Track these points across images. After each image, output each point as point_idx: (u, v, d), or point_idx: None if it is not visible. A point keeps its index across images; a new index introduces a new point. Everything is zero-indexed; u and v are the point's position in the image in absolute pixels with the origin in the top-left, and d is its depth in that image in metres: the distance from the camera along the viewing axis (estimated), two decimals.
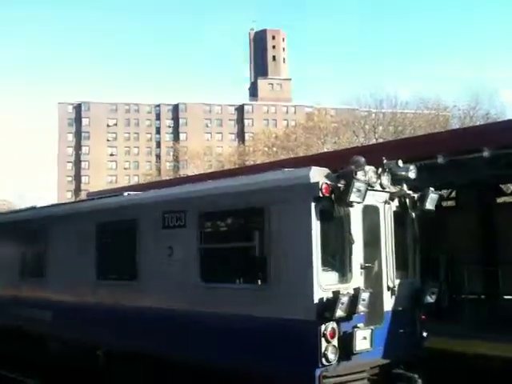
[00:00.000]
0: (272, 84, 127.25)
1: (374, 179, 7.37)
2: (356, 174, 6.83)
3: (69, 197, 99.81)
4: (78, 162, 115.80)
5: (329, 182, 6.74)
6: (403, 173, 7.85)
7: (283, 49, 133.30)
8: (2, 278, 12.48)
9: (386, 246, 7.62)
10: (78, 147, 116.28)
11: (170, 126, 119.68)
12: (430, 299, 7.93)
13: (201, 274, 7.88)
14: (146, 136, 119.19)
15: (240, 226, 8.26)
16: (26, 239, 11.86)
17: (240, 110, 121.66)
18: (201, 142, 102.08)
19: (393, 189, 7.81)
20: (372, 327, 6.93)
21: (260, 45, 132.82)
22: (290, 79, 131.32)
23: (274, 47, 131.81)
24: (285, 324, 6.73)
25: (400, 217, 8.04)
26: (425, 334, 7.96)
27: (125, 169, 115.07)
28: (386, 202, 7.71)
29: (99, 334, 9.61)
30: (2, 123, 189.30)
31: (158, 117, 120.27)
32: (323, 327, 6.43)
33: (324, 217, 6.83)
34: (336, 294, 6.43)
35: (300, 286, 6.67)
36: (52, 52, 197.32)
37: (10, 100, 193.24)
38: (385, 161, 7.63)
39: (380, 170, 7.53)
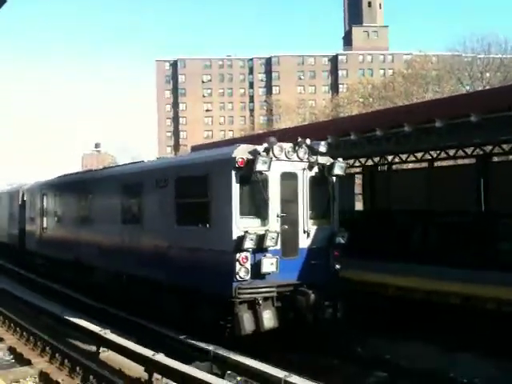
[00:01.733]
0: (367, 32, 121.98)
1: (292, 153, 10.39)
2: (266, 150, 9.83)
3: (168, 151, 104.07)
4: (176, 118, 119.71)
5: (244, 157, 9.66)
6: (316, 147, 10.62)
7: None
8: (108, 225, 14.94)
9: (302, 202, 10.61)
10: (175, 103, 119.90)
11: (262, 80, 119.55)
12: (342, 240, 10.97)
13: (176, 220, 11.37)
14: (240, 91, 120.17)
15: (197, 187, 10.99)
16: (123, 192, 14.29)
17: (334, 60, 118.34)
18: (294, 94, 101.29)
19: (310, 159, 10.66)
20: (277, 256, 9.85)
21: None
22: (387, 26, 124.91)
23: None
24: (218, 254, 10.02)
25: (320, 179, 10.91)
26: (337, 266, 10.88)
27: (220, 124, 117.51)
28: (303, 169, 10.62)
29: (123, 265, 13.74)
30: (107, 81, 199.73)
31: (251, 71, 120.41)
32: (237, 255, 9.55)
33: (243, 181, 9.84)
34: (245, 232, 9.53)
35: (226, 228, 9.82)
36: (150, 13, 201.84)
37: (113, 59, 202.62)
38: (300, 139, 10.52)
39: (296, 146, 10.43)
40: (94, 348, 10.76)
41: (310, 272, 10.42)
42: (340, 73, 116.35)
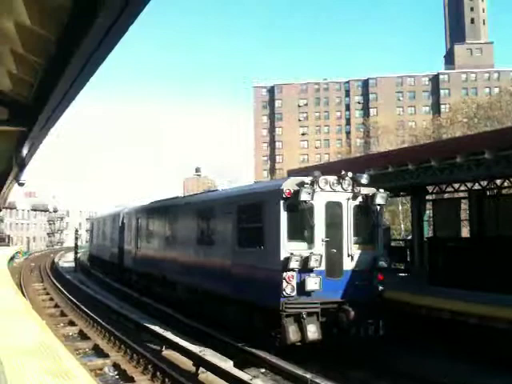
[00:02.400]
0: (470, 49, 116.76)
1: (336, 184, 11.84)
2: (311, 182, 11.33)
3: (265, 175, 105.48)
4: (272, 143, 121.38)
5: (291, 189, 11.22)
6: (358, 179, 11.92)
7: (483, 10, 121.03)
8: (186, 246, 16.90)
9: (347, 228, 11.93)
10: (271, 128, 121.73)
11: (359, 103, 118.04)
12: (385, 264, 12.16)
13: (237, 242, 13.21)
14: (336, 114, 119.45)
15: (253, 214, 12.76)
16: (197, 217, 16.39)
17: (435, 80, 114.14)
18: (392, 116, 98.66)
19: (354, 190, 11.98)
20: (321, 276, 11.24)
21: (455, 8, 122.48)
22: (492, 42, 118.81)
23: (471, 9, 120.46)
24: (269, 272, 11.60)
25: (364, 208, 12.18)
26: (380, 288, 11.96)
27: (316, 147, 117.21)
28: (348, 199, 11.97)
29: (199, 280, 15.51)
30: (206, 107, 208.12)
31: (348, 93, 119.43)
32: (284, 274, 11.05)
33: (290, 209, 11.40)
34: (291, 254, 11.05)
35: (275, 250, 11.40)
36: (247, 42, 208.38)
37: (214, 89, 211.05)
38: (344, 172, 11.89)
39: (340, 178, 11.83)
40: (193, 368, 10.90)
41: (353, 292, 11.67)
42: (442, 92, 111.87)
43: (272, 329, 11.38)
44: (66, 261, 50.33)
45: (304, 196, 11.16)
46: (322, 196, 11.70)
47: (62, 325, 16.79)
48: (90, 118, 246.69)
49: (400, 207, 49.46)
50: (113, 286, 25.43)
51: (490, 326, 11.20)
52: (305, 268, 11.16)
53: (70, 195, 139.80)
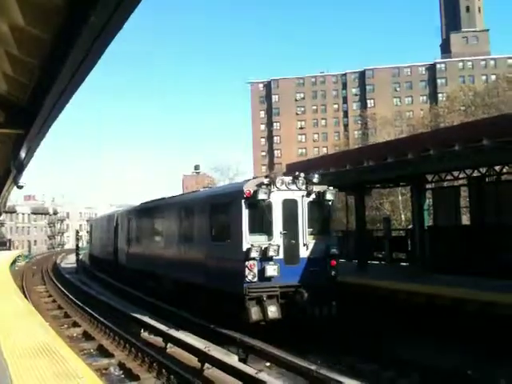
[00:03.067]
0: (466, 37, 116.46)
1: (292, 184, 13.50)
2: (269, 183, 13.03)
3: (263, 170, 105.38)
4: (270, 138, 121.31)
5: (250, 189, 12.82)
6: (311, 178, 13.66)
7: None
8: (170, 243, 18.48)
9: (302, 221, 13.57)
10: (269, 123, 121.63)
11: (356, 94, 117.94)
12: (336, 251, 13.84)
13: (211, 237, 14.93)
14: (333, 107, 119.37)
15: (221, 212, 14.73)
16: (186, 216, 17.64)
17: (431, 69, 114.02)
18: (390, 107, 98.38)
19: (308, 188, 13.63)
20: (278, 263, 12.81)
21: None
22: (488, 30, 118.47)
23: None
24: (234, 262, 13.20)
25: (317, 203, 13.86)
26: (333, 273, 13.59)
27: (314, 141, 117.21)
28: (302, 196, 13.61)
29: (181, 273, 16.97)
30: (203, 102, 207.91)
31: (345, 86, 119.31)
32: (246, 263, 12.61)
33: (251, 207, 13.03)
34: (250, 246, 12.71)
35: (239, 242, 12.92)
36: (242, 38, 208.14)
37: (208, 81, 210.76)
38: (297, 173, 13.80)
39: (295, 178, 13.55)
40: (198, 364, 10.93)
41: (309, 276, 13.23)
42: (439, 81, 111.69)
43: (238, 311, 12.88)
44: (68, 262, 50.42)
45: (261, 195, 12.94)
46: (279, 194, 13.43)
47: (66, 326, 16.82)
48: (87, 117, 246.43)
49: (400, 197, 49.44)
50: (114, 285, 25.77)
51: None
52: (264, 257, 12.80)
53: (69, 197, 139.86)
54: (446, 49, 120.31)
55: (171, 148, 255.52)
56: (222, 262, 14.08)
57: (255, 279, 12.75)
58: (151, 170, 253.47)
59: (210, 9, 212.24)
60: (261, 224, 13.39)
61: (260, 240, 13.06)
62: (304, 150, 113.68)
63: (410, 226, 30.81)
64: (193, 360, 11.27)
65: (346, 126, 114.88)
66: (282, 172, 14.40)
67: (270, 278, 12.83)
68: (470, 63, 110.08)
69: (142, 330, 14.67)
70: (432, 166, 15.38)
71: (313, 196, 13.83)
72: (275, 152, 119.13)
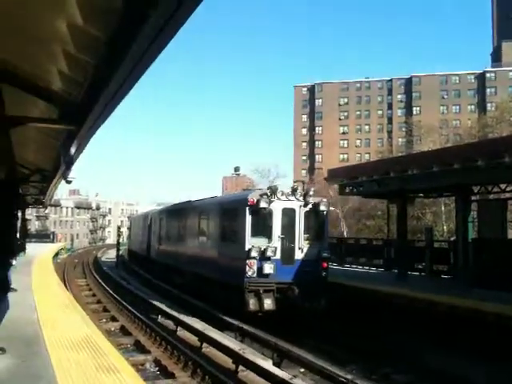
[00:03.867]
0: None
1: (291, 195, 15.82)
2: (268, 195, 15.32)
3: (303, 175, 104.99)
4: (311, 142, 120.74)
5: (254, 198, 15.13)
6: (308, 191, 16.10)
7: None
8: (190, 241, 21.13)
9: (298, 227, 15.84)
10: (311, 127, 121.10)
11: (401, 101, 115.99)
12: (327, 255, 16.16)
13: (221, 238, 17.53)
14: (378, 113, 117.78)
15: (230, 217, 17.13)
16: (199, 218, 20.62)
17: (481, 78, 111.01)
18: (435, 115, 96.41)
19: (306, 199, 15.94)
20: (275, 263, 15.10)
21: (504, 4, 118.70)
22: None
23: None
24: (238, 260, 15.41)
25: (313, 213, 16.13)
26: (324, 273, 15.85)
27: (356, 146, 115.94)
28: (300, 206, 15.86)
29: (198, 268, 19.62)
30: (247, 103, 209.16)
31: (390, 92, 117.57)
32: (247, 261, 14.93)
33: (254, 213, 15.31)
34: (250, 247, 15.00)
35: (242, 243, 15.25)
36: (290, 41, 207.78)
37: (251, 83, 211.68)
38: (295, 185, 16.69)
39: (294, 190, 15.92)
40: (233, 366, 10.96)
41: (302, 275, 15.52)
42: (488, 91, 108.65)
43: (240, 302, 15.05)
44: (108, 257, 51.52)
45: (263, 204, 15.26)
46: (280, 204, 15.77)
47: (104, 320, 17.17)
48: (136, 116, 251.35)
49: (443, 208, 48.31)
50: (152, 282, 26.27)
51: None
52: (263, 257, 15.19)
53: (112, 193, 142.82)
54: (496, 57, 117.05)
55: (214, 149, 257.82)
56: (229, 260, 16.59)
57: (254, 275, 15.15)
58: (194, 170, 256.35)
59: (256, 10, 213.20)
60: (262, 228, 15.75)
61: (260, 242, 15.43)
62: (346, 156, 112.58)
63: (453, 238, 30.04)
64: (228, 361, 11.32)
65: (389, 132, 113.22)
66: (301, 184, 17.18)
67: (267, 275, 15.23)
68: None
69: (179, 329, 14.85)
70: (479, 176, 14.95)
71: (309, 206, 16.13)
72: (316, 157, 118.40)
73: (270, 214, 15.61)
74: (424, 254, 20.40)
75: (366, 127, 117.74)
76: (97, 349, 7.61)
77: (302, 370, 10.99)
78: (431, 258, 20.00)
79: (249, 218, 15.39)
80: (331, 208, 60.07)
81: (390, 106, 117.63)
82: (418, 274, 20.60)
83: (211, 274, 17.79)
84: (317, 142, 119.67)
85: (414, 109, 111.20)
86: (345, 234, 58.16)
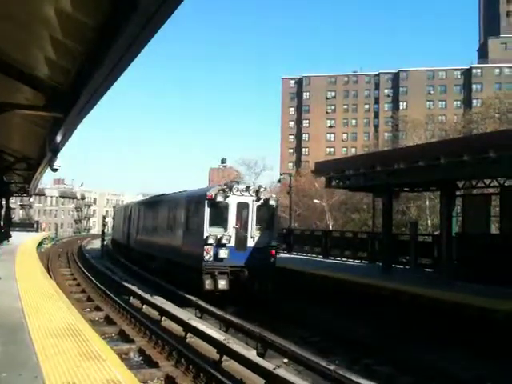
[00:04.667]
0: (505, 43, 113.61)
1: (245, 191, 17.99)
2: (224, 191, 17.57)
3: (290, 167, 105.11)
4: (299, 135, 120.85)
5: (212, 193, 17.35)
6: (260, 189, 18.52)
7: None
8: (161, 231, 23.70)
9: (251, 219, 18.04)
10: (299, 120, 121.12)
11: (389, 96, 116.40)
12: (274, 243, 18.44)
13: (185, 227, 19.78)
14: (365, 107, 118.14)
15: (193, 209, 19.48)
16: (168, 211, 23.35)
17: (467, 73, 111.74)
18: (422, 110, 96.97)
19: (258, 195, 18.19)
20: (229, 249, 17.37)
21: (490, 1, 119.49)
22: None
23: (508, 1, 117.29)
24: (198, 246, 17.65)
25: (264, 206, 18.31)
26: (272, 259, 18.14)
27: (342, 140, 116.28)
28: (253, 201, 18.05)
29: (168, 255, 22.05)
30: (235, 96, 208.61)
31: (377, 86, 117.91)
32: (205, 247, 17.17)
33: (211, 206, 17.50)
34: (207, 235, 17.25)
35: (201, 232, 17.50)
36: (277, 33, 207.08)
37: (237, 75, 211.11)
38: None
39: (248, 187, 18.38)
40: (217, 356, 11.00)
41: (253, 260, 17.74)
42: (474, 87, 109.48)
43: (198, 282, 17.38)
44: (93, 247, 51.21)
45: (219, 198, 17.58)
46: (235, 198, 17.98)
47: (88, 309, 17.12)
48: (122, 104, 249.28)
49: (427, 202, 48.78)
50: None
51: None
52: (219, 244, 17.46)
53: (99, 184, 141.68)
54: (483, 54, 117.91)
55: (200, 140, 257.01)
56: (190, 246, 18.93)
57: (211, 259, 17.41)
58: (179, 162, 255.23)
59: (240, 6, 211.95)
60: (219, 219, 17.95)
61: (217, 231, 17.64)
62: (332, 149, 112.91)
63: (437, 232, 30.35)
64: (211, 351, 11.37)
65: (376, 127, 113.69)
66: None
67: (222, 259, 17.46)
68: (507, 69, 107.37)
69: (163, 319, 14.87)
70: (464, 172, 15.10)
71: (261, 201, 18.32)
72: (303, 149, 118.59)
73: (226, 207, 17.92)
74: (408, 247, 20.61)
75: (353, 121, 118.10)
76: (81, 336, 7.59)
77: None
78: (416, 252, 20.21)
79: (207, 210, 17.67)
80: (317, 201, 60.63)
81: (376, 101, 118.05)
82: (402, 266, 20.81)
83: (177, 258, 20.37)
84: (304, 135, 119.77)
85: (401, 103, 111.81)
86: (330, 226, 58.49)
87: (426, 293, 13.83)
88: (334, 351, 12.14)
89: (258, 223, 18.24)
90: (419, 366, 10.64)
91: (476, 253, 16.33)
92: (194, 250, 18.24)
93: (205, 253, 17.31)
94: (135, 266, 27.91)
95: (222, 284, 17.20)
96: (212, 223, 17.70)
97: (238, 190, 18.00)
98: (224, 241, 17.41)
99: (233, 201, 17.94)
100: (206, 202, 17.61)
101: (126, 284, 20.86)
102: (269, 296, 17.52)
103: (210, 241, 17.30)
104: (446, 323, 12.60)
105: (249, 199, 18.20)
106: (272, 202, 18.38)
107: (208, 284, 17.20)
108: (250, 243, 18.03)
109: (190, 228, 19.42)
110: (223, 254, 17.38)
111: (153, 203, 27.64)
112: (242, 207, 18.17)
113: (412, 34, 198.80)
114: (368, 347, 12.04)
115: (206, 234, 17.43)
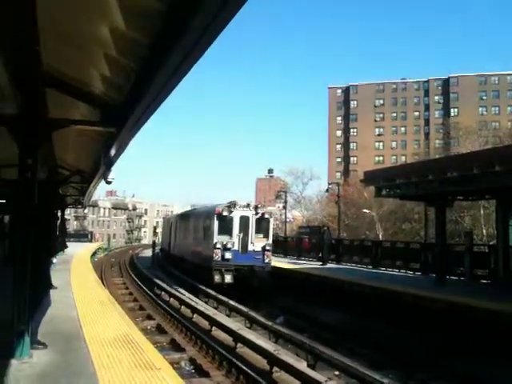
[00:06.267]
0: None
1: (246, 207, 23.40)
2: (229, 207, 23.19)
3: (338, 177, 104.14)
4: (346, 144, 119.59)
5: (220, 209, 23.13)
6: (258, 206, 24.66)
7: None
8: (189, 239, 29.37)
9: (251, 229, 23.26)
10: (346, 129, 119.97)
11: (439, 102, 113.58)
12: (269, 248, 23.37)
13: (203, 236, 25.10)
14: (414, 114, 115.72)
15: (206, 221, 24.90)
16: (197, 223, 28.07)
17: None
18: (474, 116, 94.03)
19: (257, 210, 23.68)
20: (233, 252, 22.69)
21: None
22: None
23: None
24: (210, 250, 22.99)
25: (261, 219, 23.58)
26: (267, 260, 23.05)
27: (392, 148, 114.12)
28: (253, 214, 23.31)
29: (193, 258, 27.23)
30: (281, 105, 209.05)
31: (427, 93, 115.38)
32: (215, 250, 22.58)
33: (220, 220, 23.14)
34: (216, 241, 22.71)
35: (212, 239, 23.02)
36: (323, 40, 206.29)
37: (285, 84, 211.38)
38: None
39: (248, 204, 23.75)
40: (267, 367, 10.97)
41: (253, 261, 22.79)
42: None
43: (210, 277, 22.38)
44: (143, 256, 52.23)
45: (225, 213, 23.01)
46: (238, 212, 23.25)
47: (140, 318, 17.43)
48: (173, 118, 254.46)
49: (482, 211, 47.19)
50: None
51: None
52: (225, 248, 22.62)
53: (149, 194, 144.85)
54: None
55: (248, 151, 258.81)
56: (205, 250, 24.13)
57: (219, 259, 22.48)
58: (230, 171, 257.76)
59: (289, 12, 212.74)
60: (225, 229, 23.10)
61: (224, 238, 22.93)
62: (381, 158, 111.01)
63: (492, 242, 29.29)
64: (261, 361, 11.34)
65: (426, 134, 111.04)
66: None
67: (227, 260, 22.54)
68: None
69: (214, 329, 14.96)
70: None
71: (259, 215, 23.49)
72: (351, 159, 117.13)
73: (230, 219, 23.15)
74: (463, 258, 19.94)
75: (402, 129, 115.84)
76: (135, 346, 7.76)
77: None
78: (471, 263, 19.53)
79: (216, 223, 23.04)
80: (366, 210, 59.64)
81: (426, 108, 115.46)
82: (456, 278, 20.15)
83: (197, 260, 25.84)
84: (351, 144, 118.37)
85: (452, 110, 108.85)
86: (380, 237, 57.44)
87: (485, 305, 13.33)
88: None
89: (256, 232, 23.35)
90: None
91: None
92: (207, 253, 23.41)
93: (214, 255, 22.45)
94: (175, 270, 31.37)
95: (228, 278, 22.10)
96: (220, 232, 22.92)
97: (240, 207, 23.21)
98: (229, 245, 22.61)
99: (236, 215, 23.14)
100: (215, 216, 23.01)
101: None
102: (267, 290, 21.76)
103: (218, 245, 22.49)
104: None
105: (249, 213, 23.35)
106: (267, 216, 23.80)
107: (217, 278, 22.08)
108: (251, 247, 23.11)
109: (205, 236, 24.52)
110: (228, 255, 22.47)
111: (184, 216, 33.67)
112: (244, 220, 23.21)
113: (462, 37, 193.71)
114: None
115: (215, 241, 22.64)
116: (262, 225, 23.59)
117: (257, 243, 23.12)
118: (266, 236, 23.61)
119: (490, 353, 11.89)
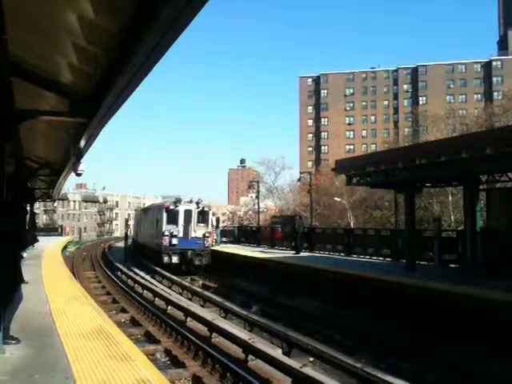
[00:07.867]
0: None
1: (189, 202, 29.57)
2: (176, 202, 29.39)
3: (309, 166, 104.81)
4: (317, 133, 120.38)
5: (168, 204, 29.79)
6: (200, 201, 29.96)
7: None
8: (147, 229, 35.23)
9: (194, 219, 29.33)
10: (317, 118, 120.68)
11: (408, 91, 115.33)
12: (208, 234, 29.35)
13: (156, 226, 30.76)
14: (384, 103, 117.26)
15: (158, 214, 30.89)
16: (152, 217, 33.97)
17: (487, 66, 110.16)
18: (442, 104, 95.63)
19: (198, 204, 29.77)
20: (178, 238, 28.63)
21: None
22: None
23: None
24: (160, 237, 29.10)
25: (202, 212, 29.83)
26: (207, 244, 29.15)
27: (362, 137, 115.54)
28: (195, 208, 29.43)
29: (151, 244, 33.31)
30: (250, 97, 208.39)
31: (396, 82, 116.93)
32: (163, 237, 28.63)
33: (168, 212, 29.30)
34: (164, 230, 28.73)
35: (161, 228, 29.08)
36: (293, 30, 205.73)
37: (257, 74, 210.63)
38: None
39: (191, 199, 29.82)
40: (242, 355, 11.03)
41: (195, 245, 28.39)
42: (494, 79, 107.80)
43: (160, 259, 28.06)
44: (116, 250, 51.75)
45: (172, 207, 28.81)
46: (183, 206, 28.90)
47: (114, 312, 17.31)
48: (142, 108, 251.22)
49: (450, 198, 48.19)
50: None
51: None
52: (172, 235, 28.11)
53: (119, 187, 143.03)
54: (503, 46, 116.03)
55: (219, 141, 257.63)
56: (157, 238, 29.43)
57: (167, 245, 28.09)
58: (201, 162, 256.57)
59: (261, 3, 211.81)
60: (172, 220, 28.63)
61: (171, 227, 28.41)
62: (352, 147, 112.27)
63: (460, 228, 29.96)
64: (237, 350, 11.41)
65: (396, 122, 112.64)
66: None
67: (174, 245, 28.06)
68: None
69: (189, 319, 14.97)
70: (488, 165, 14.88)
71: (200, 208, 29.19)
72: (322, 148, 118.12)
73: (176, 212, 28.81)
74: (432, 243, 20.37)
75: (372, 117, 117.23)
76: (109, 338, 7.71)
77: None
78: (440, 248, 19.97)
79: (165, 215, 28.87)
80: (338, 199, 60.26)
81: (396, 96, 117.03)
82: (426, 263, 20.59)
83: (153, 246, 31.27)
84: (323, 133, 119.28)
85: (421, 98, 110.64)
86: (352, 224, 58.15)
87: (456, 290, 13.67)
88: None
89: (197, 222, 29.04)
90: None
91: (501, 248, 16.08)
92: (159, 240, 28.93)
93: (163, 241, 28.16)
94: (138, 255, 37.36)
95: (175, 259, 27.92)
96: (168, 222, 28.62)
97: (184, 202, 29.13)
98: (175, 233, 28.23)
99: (181, 208, 28.91)
100: (164, 209, 29.04)
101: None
102: (204, 267, 28.16)
103: (166, 233, 28.18)
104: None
105: (192, 207, 29.04)
106: (206, 209, 29.75)
107: (166, 260, 27.85)
108: (193, 234, 28.71)
109: (157, 226, 29.95)
110: (175, 241, 28.11)
111: (146, 210, 40.79)
112: (187, 212, 28.87)
113: (429, 28, 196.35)
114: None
115: (163, 229, 28.36)
116: (203, 216, 29.36)
117: (198, 231, 28.78)
118: (206, 225, 29.41)
119: (455, 334, 12.23)
